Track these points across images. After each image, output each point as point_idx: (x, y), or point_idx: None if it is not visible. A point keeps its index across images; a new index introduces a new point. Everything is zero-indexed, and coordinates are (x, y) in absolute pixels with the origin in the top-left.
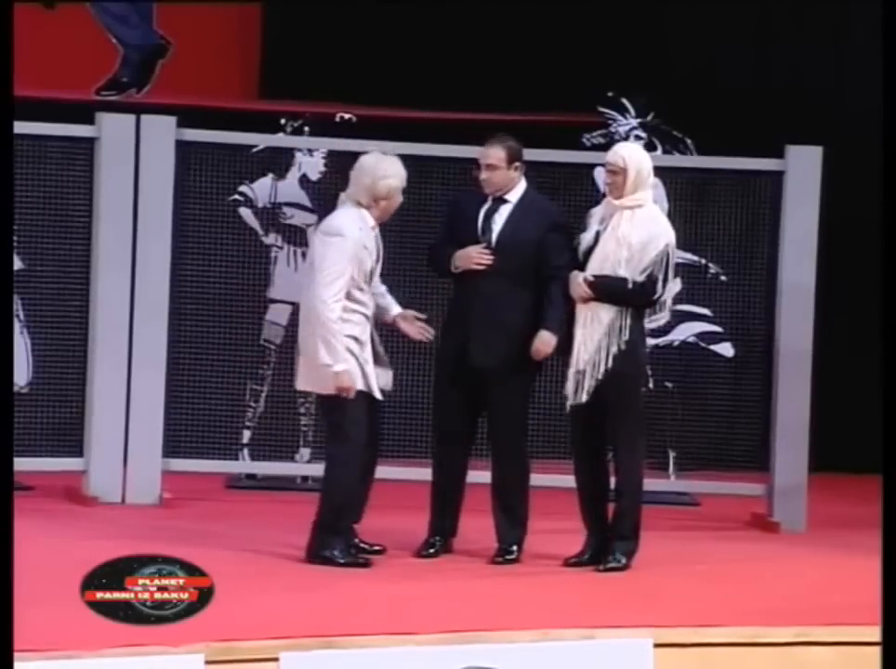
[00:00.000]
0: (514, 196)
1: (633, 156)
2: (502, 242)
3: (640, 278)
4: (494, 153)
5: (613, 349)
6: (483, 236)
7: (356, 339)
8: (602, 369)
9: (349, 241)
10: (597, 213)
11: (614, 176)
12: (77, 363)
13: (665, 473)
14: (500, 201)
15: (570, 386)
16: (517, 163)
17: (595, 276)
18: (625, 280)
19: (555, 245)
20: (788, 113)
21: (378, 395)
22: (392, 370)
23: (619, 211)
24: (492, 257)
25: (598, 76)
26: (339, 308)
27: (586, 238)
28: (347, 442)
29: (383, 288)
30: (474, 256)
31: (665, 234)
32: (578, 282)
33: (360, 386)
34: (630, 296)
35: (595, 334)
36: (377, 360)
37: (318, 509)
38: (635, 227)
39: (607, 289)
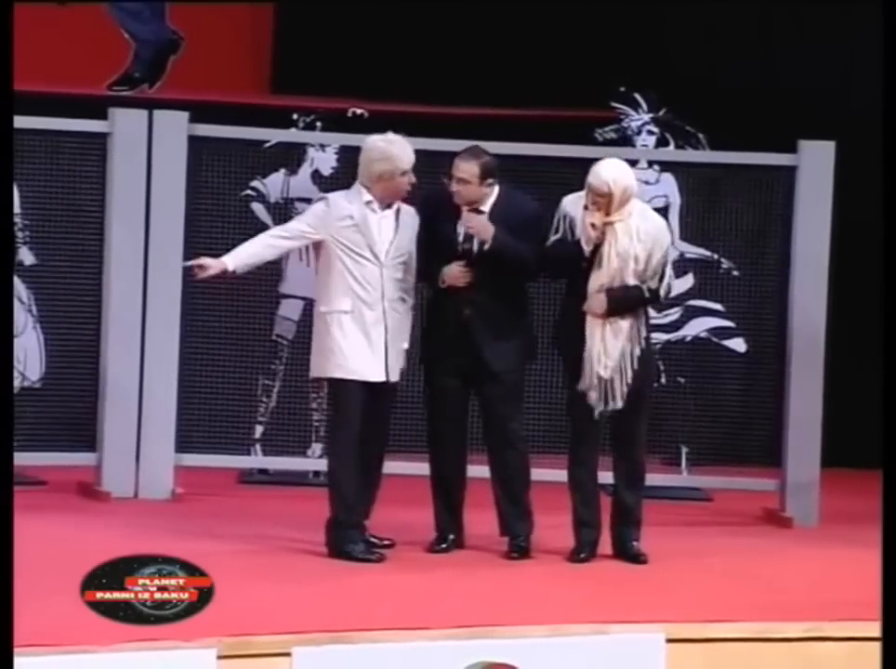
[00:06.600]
0: (487, 206)
1: (617, 180)
2: (486, 259)
3: (654, 283)
4: (466, 168)
5: (637, 352)
6: (464, 251)
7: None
8: (631, 373)
9: (323, 202)
10: (574, 211)
11: (600, 199)
12: (90, 358)
13: (677, 468)
14: (475, 212)
15: (594, 396)
16: (490, 180)
17: (610, 289)
18: (639, 288)
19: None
20: (802, 109)
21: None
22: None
23: (610, 226)
24: (475, 273)
25: (610, 71)
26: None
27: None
28: (340, 432)
29: None
30: (460, 277)
31: (663, 232)
32: (599, 297)
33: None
34: (647, 302)
35: (617, 342)
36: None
37: (330, 505)
38: (633, 237)
39: (626, 301)
